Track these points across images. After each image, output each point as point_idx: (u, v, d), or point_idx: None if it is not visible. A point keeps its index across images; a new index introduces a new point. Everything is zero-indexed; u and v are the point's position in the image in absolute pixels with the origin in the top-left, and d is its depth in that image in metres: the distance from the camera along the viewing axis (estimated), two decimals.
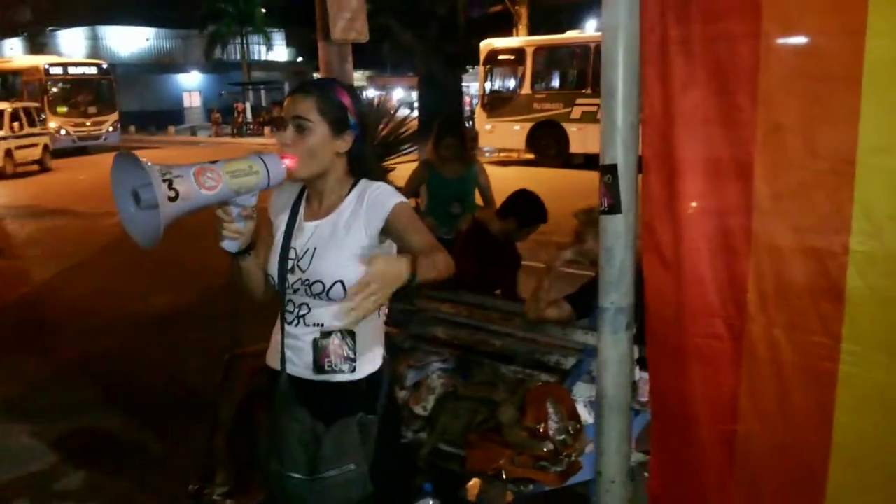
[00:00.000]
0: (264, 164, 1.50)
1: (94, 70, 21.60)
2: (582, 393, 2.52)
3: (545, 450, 2.37)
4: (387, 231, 1.59)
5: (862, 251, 1.24)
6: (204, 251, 7.07)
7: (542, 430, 2.40)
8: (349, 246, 1.60)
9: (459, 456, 2.44)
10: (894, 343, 1.23)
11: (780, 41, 1.28)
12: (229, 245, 1.59)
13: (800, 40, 1.30)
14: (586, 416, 2.46)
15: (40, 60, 21.35)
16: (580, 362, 2.66)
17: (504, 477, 2.33)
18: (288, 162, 1.55)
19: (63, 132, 19.74)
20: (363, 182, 1.66)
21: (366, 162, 1.69)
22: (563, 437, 2.41)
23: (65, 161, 17.71)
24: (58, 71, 20.58)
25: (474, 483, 2.93)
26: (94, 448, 3.45)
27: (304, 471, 1.61)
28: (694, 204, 1.43)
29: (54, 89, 20.38)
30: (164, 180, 1.30)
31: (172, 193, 1.31)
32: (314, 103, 1.58)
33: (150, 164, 1.34)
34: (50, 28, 30.30)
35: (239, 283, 1.70)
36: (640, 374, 2.25)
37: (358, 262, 1.57)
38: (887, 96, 1.19)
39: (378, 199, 1.60)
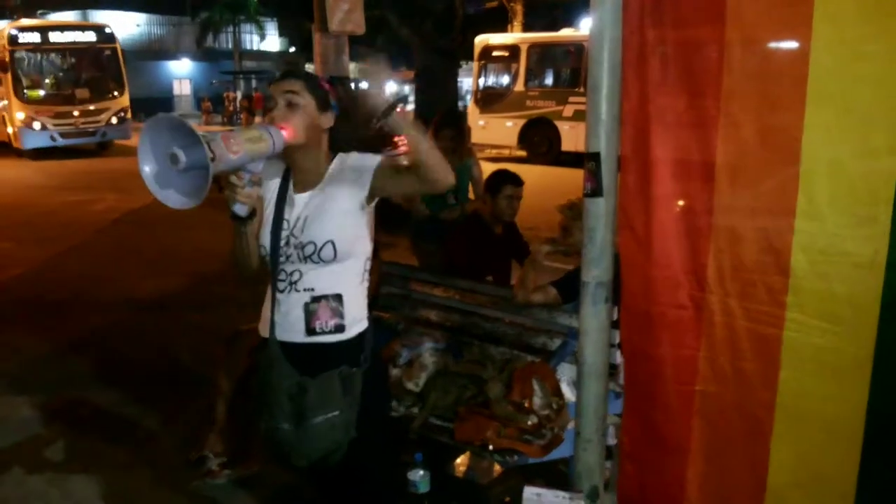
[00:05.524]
0: (269, 133, 1.62)
1: (90, 36, 15.25)
2: (566, 373, 2.63)
3: (529, 423, 2.50)
4: (378, 187, 1.74)
5: (805, 231, 1.42)
6: (195, 241, 7.18)
7: (527, 405, 2.53)
8: (337, 210, 1.76)
9: (449, 429, 2.56)
10: (830, 311, 1.41)
11: (741, 46, 1.45)
12: (240, 209, 1.66)
13: (757, 46, 1.46)
14: (569, 394, 2.58)
15: (5, 25, 15.38)
16: (565, 344, 2.78)
17: (490, 448, 2.46)
18: (285, 132, 1.67)
19: (37, 126, 13.90)
20: (340, 155, 1.83)
21: (346, 141, 1.85)
22: (546, 412, 2.54)
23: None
24: (31, 38, 14.44)
25: (462, 460, 3.08)
26: (93, 420, 3.54)
27: (291, 421, 1.74)
28: (681, 202, 1.60)
29: (25, 65, 14.39)
30: (206, 142, 1.39)
31: (212, 155, 1.40)
32: (303, 83, 1.77)
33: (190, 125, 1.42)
34: (40, 11, 29.92)
35: (238, 252, 1.80)
36: (621, 358, 2.40)
37: (346, 223, 1.74)
38: (828, 96, 1.37)
39: (359, 165, 1.76)
